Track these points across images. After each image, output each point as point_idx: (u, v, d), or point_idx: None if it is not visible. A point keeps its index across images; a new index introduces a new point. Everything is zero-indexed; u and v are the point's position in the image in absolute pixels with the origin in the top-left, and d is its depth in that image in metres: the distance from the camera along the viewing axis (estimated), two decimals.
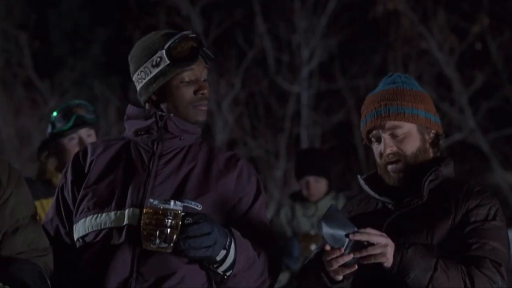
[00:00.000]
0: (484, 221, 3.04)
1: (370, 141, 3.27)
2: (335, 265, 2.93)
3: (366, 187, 3.24)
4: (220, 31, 16.81)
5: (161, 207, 2.90)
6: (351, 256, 2.92)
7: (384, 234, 2.94)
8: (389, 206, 3.17)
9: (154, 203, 2.91)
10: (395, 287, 2.98)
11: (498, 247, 3.00)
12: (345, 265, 2.94)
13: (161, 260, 3.00)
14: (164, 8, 17.38)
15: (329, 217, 2.96)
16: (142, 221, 2.93)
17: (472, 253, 2.99)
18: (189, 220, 2.90)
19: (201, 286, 3.04)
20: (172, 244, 2.90)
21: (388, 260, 2.91)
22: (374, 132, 3.21)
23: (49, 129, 5.02)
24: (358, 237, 2.91)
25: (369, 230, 2.93)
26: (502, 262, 2.99)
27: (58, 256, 3.17)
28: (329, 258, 2.94)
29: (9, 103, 18.72)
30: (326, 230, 2.95)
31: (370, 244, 2.92)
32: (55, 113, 5.01)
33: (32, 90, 18.97)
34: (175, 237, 2.89)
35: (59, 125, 4.96)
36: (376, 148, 3.22)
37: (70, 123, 4.93)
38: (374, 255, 2.90)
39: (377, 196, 3.21)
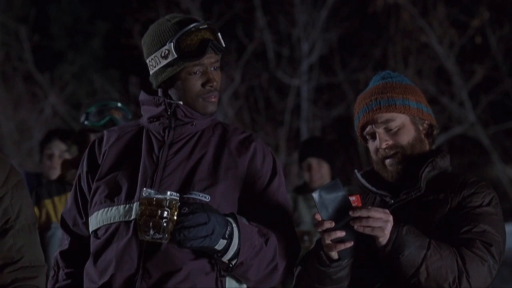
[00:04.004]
0: (477, 207, 3.05)
1: (365, 139, 3.26)
2: (328, 239, 2.93)
3: (363, 181, 3.24)
4: (220, 25, 16.79)
5: (154, 198, 2.86)
6: (343, 233, 2.91)
7: (387, 211, 2.94)
8: (387, 199, 3.17)
9: (148, 193, 2.88)
10: (388, 269, 2.99)
11: (489, 230, 3.01)
12: (340, 241, 2.93)
13: (166, 257, 2.97)
14: (164, 2, 17.37)
15: (330, 188, 2.94)
16: (138, 212, 2.90)
17: (463, 235, 2.99)
18: (185, 210, 2.86)
19: (207, 283, 3.00)
20: (167, 235, 2.86)
21: (385, 236, 2.91)
22: (367, 128, 3.21)
23: (82, 119, 5.01)
24: (358, 213, 2.90)
25: (371, 207, 2.94)
26: (492, 243, 2.99)
27: (76, 247, 3.20)
28: (320, 229, 2.93)
29: (9, 97, 18.72)
30: (321, 199, 2.93)
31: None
32: (92, 108, 4.98)
33: (32, 83, 18.98)
34: (170, 227, 2.85)
35: (92, 119, 4.95)
36: (372, 144, 3.22)
37: (102, 122, 4.92)
38: (373, 228, 2.90)
39: (374, 190, 3.21)
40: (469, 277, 2.94)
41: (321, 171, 6.44)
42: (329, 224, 2.92)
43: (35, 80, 19.06)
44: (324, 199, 2.94)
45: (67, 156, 5.39)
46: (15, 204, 2.97)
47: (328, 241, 2.94)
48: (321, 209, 2.94)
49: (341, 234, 2.92)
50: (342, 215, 2.92)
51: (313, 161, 6.42)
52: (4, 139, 18.37)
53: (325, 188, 2.96)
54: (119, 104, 5.02)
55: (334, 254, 2.97)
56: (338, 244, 2.94)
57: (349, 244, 2.93)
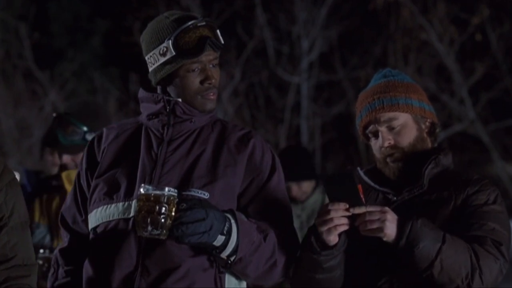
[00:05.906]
0: (484, 205, 3.06)
1: (367, 138, 3.26)
2: (333, 214, 2.91)
3: (366, 179, 3.24)
4: (220, 22, 16.79)
5: (152, 194, 2.84)
6: (351, 210, 2.91)
7: (388, 209, 2.94)
8: (390, 196, 3.17)
9: (146, 189, 2.86)
10: (392, 266, 2.99)
11: (498, 228, 3.02)
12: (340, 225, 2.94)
13: (165, 254, 2.97)
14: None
15: (341, 178, 2.95)
16: (136, 208, 2.89)
17: (473, 232, 3.00)
18: (183, 206, 2.85)
19: (206, 280, 2.99)
20: (165, 231, 2.84)
21: (387, 235, 2.91)
22: (370, 127, 3.21)
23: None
24: (357, 210, 2.92)
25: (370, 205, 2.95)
26: (502, 242, 3.00)
27: (75, 245, 3.19)
28: (335, 214, 2.92)
29: (9, 94, 18.73)
30: (331, 188, 2.95)
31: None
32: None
33: (32, 81, 18.98)
34: (168, 223, 2.84)
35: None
36: (375, 143, 3.22)
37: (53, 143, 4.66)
38: (371, 221, 2.90)
39: (377, 187, 3.21)
40: (482, 274, 2.94)
41: (302, 189, 6.34)
42: (342, 212, 2.92)
43: (35, 77, 19.07)
44: (335, 189, 2.95)
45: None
46: (9, 201, 2.98)
47: (331, 216, 2.93)
48: (331, 198, 2.95)
49: (345, 210, 2.93)
50: (351, 205, 2.94)
51: (292, 185, 6.32)
52: (4, 137, 18.37)
53: (336, 177, 2.97)
54: (69, 122, 4.54)
55: (334, 238, 2.96)
56: (339, 226, 2.93)
57: (344, 228, 2.93)
